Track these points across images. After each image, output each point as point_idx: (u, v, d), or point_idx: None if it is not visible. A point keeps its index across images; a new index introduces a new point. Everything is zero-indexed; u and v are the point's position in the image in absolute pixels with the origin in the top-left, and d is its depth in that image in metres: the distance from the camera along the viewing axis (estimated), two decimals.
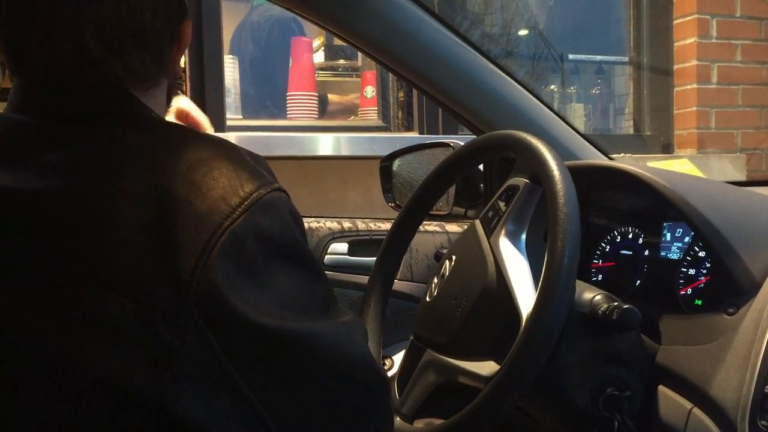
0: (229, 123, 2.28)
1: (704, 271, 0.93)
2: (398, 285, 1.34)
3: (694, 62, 2.93)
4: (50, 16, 0.67)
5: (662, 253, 1.00)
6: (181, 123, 0.94)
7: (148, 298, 0.57)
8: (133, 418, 0.58)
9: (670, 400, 0.85)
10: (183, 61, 2.18)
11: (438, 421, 0.85)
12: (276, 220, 0.63)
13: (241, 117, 2.51)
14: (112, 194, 0.60)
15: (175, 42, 0.74)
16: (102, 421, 0.58)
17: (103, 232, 0.59)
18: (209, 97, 2.15)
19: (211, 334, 0.58)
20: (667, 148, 3.06)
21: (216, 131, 2.15)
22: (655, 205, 1.01)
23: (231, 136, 2.13)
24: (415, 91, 2.49)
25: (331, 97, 2.85)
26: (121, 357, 0.58)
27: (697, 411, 0.81)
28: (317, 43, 2.97)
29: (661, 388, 0.86)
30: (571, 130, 1.25)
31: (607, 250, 1.10)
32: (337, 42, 2.81)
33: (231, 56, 2.51)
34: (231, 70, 2.44)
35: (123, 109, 0.69)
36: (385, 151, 1.43)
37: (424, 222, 1.19)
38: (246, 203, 0.61)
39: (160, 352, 0.58)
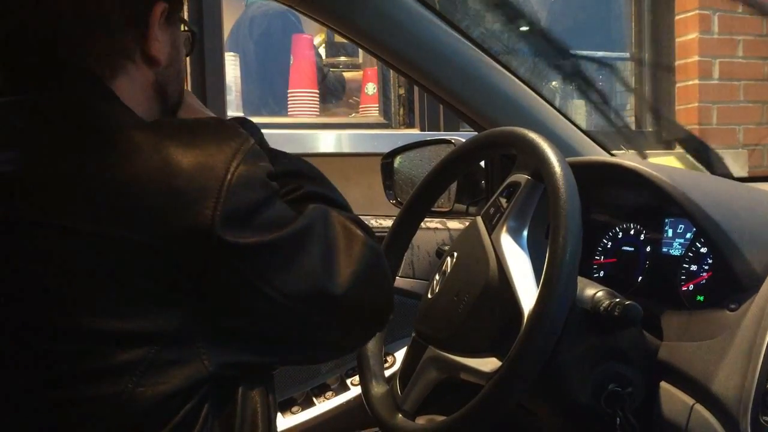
0: None
1: (706, 267, 0.93)
2: (400, 282, 1.34)
3: (696, 58, 2.93)
4: None
5: (664, 250, 1.00)
6: None
7: (170, 246, 0.62)
8: (160, 370, 0.62)
9: (672, 396, 0.85)
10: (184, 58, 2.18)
11: (440, 418, 0.85)
12: (264, 161, 0.71)
13: (243, 114, 2.51)
14: (107, 152, 0.63)
15: (139, 24, 0.73)
16: (125, 370, 0.61)
17: (105, 188, 0.62)
18: (210, 94, 2.15)
19: (239, 265, 0.65)
20: (668, 144, 3.06)
21: None
22: (657, 202, 1.01)
23: None
24: (416, 88, 2.49)
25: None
26: (145, 307, 0.62)
27: (699, 407, 0.81)
28: (318, 40, 2.97)
29: (663, 384, 0.86)
30: (573, 126, 1.25)
31: (608, 246, 1.10)
32: (338, 39, 2.81)
33: (232, 53, 2.50)
34: (232, 67, 2.44)
35: (81, 89, 0.70)
36: (386, 148, 1.43)
37: (426, 219, 1.19)
38: (241, 150, 0.67)
39: (189, 297, 0.63)
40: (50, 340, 0.61)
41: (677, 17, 3.00)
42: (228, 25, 2.65)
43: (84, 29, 0.70)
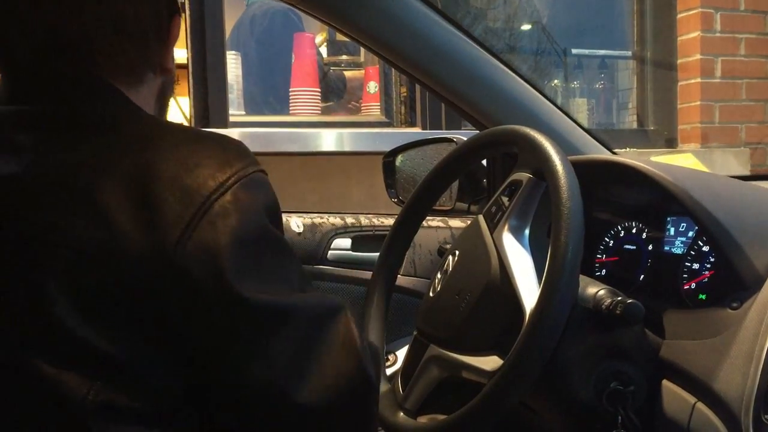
0: (232, 119, 2.28)
1: (708, 266, 0.93)
2: (401, 280, 1.34)
3: (698, 56, 2.92)
4: (31, 7, 0.68)
5: (666, 248, 1.00)
6: None
7: (129, 267, 0.59)
8: (115, 386, 0.60)
9: (673, 394, 0.84)
10: (185, 57, 2.19)
11: (442, 417, 0.85)
12: (260, 196, 0.66)
13: (244, 113, 2.51)
14: (96, 170, 0.62)
15: (164, 37, 0.75)
16: (81, 389, 0.59)
17: (84, 206, 0.61)
18: (212, 93, 2.15)
19: (194, 305, 0.60)
20: (670, 143, 3.05)
21: (219, 127, 2.17)
22: (659, 200, 1.01)
23: (234, 132, 2.13)
24: (418, 86, 2.49)
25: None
26: (106, 325, 0.60)
27: (701, 405, 0.81)
28: (320, 38, 2.97)
29: (665, 383, 0.86)
30: (575, 124, 1.25)
31: (610, 244, 1.10)
32: (340, 37, 2.81)
33: (234, 52, 2.50)
34: (234, 66, 2.44)
35: (104, 100, 0.70)
36: (388, 147, 1.43)
37: (427, 217, 1.19)
38: (233, 178, 0.63)
39: (146, 321, 0.60)
40: (10, 348, 0.60)
41: (679, 15, 2.99)
42: (229, 23, 2.66)
43: (121, 41, 0.71)
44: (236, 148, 0.68)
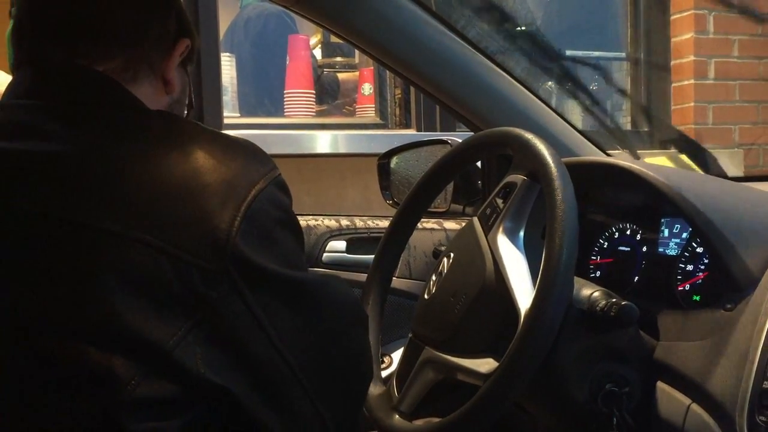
0: (226, 121, 2.28)
1: (702, 267, 0.93)
2: (396, 282, 1.34)
3: (692, 58, 2.93)
4: (58, 9, 0.74)
5: (660, 249, 1.00)
6: None
7: (185, 254, 0.63)
8: (160, 373, 0.62)
9: (668, 395, 0.85)
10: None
11: (437, 419, 0.85)
12: (287, 197, 0.73)
13: (239, 115, 2.50)
14: (139, 159, 0.65)
15: (168, 50, 0.79)
16: (127, 375, 0.60)
17: (132, 193, 0.64)
18: (206, 95, 2.15)
19: (246, 288, 0.65)
20: (664, 144, 3.06)
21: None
22: (653, 201, 1.01)
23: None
24: (412, 88, 2.49)
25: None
26: (154, 310, 0.61)
27: (695, 407, 0.81)
28: (314, 40, 2.97)
29: (660, 384, 0.86)
30: (569, 126, 1.25)
31: (605, 246, 1.10)
32: (334, 39, 2.81)
33: (228, 54, 2.50)
34: (228, 68, 2.44)
35: (124, 98, 0.74)
36: (382, 149, 1.43)
37: (422, 219, 1.19)
38: (266, 177, 0.70)
39: (196, 306, 0.63)
40: (59, 336, 0.61)
41: (672, 17, 3.00)
42: (223, 26, 2.65)
43: (133, 33, 0.76)
44: (262, 151, 0.74)
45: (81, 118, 0.69)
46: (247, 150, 0.72)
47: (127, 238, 0.62)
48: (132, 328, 0.61)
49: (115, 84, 0.73)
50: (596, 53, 3.25)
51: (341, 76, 2.85)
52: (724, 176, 1.11)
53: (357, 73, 2.78)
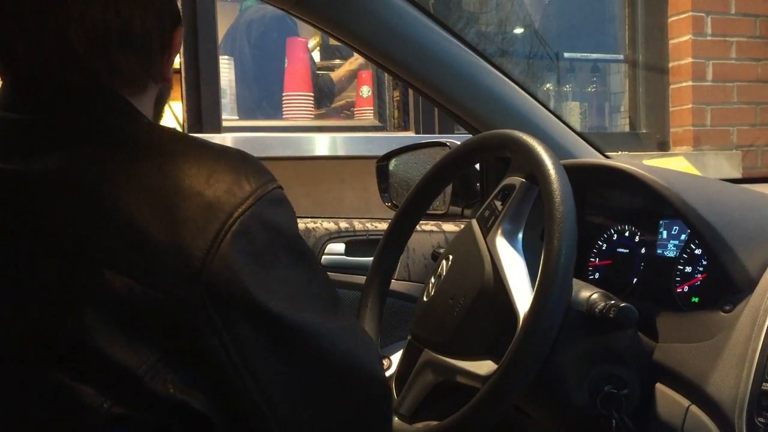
0: (225, 124, 2.28)
1: (701, 269, 0.93)
2: (396, 285, 1.34)
3: (690, 60, 2.94)
4: (37, 18, 0.67)
5: (659, 251, 1.00)
6: None
7: (157, 281, 0.59)
8: (131, 398, 0.59)
9: (667, 397, 0.85)
10: (178, 62, 2.18)
11: (437, 421, 0.85)
12: (282, 213, 0.66)
13: (237, 118, 2.50)
14: (118, 180, 0.62)
15: (166, 48, 0.75)
16: (97, 400, 0.58)
17: (109, 216, 0.60)
18: (205, 98, 2.15)
19: (220, 320, 0.59)
20: (663, 146, 3.07)
21: (212, 132, 2.16)
22: (652, 203, 1.01)
23: (227, 137, 2.13)
24: (411, 91, 2.49)
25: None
26: (126, 337, 0.58)
27: (694, 408, 0.81)
28: (313, 42, 2.97)
29: (659, 386, 0.86)
30: (567, 128, 1.25)
31: (604, 248, 1.10)
32: (333, 42, 2.81)
33: (227, 57, 2.50)
34: (227, 70, 2.44)
35: (114, 110, 0.70)
36: (381, 151, 1.43)
37: (421, 221, 1.19)
38: (254, 195, 0.63)
39: (168, 335, 0.59)
40: (31, 359, 0.59)
41: (670, 19, 3.01)
42: (222, 28, 2.66)
43: (126, 52, 0.70)
44: (255, 164, 0.67)
45: (63, 133, 0.66)
46: (236, 166, 0.65)
47: (100, 262, 0.59)
48: (103, 354, 0.58)
49: (109, 95, 0.69)
50: (594, 55, 3.25)
51: (333, 74, 2.84)
52: (723, 178, 1.11)
53: (350, 68, 2.77)
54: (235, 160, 0.66)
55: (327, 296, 0.68)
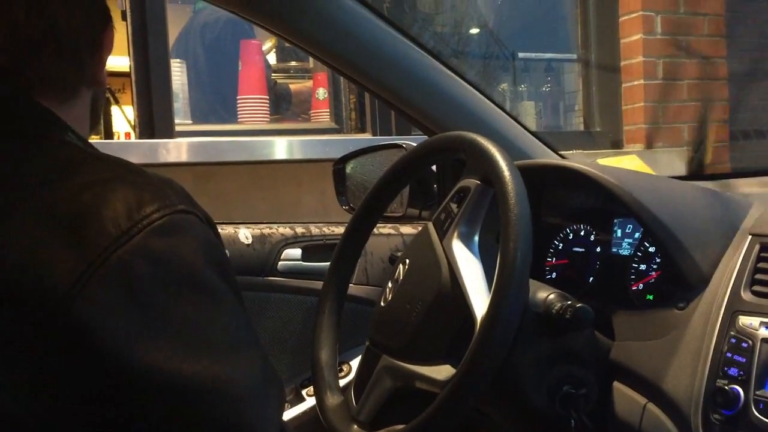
0: (178, 128, 2.24)
1: (654, 267, 0.94)
2: (354, 289, 1.32)
3: (641, 59, 2.99)
4: None
5: (614, 250, 1.01)
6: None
7: (25, 308, 0.54)
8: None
9: (624, 396, 0.85)
10: (128, 65, 2.14)
11: (397, 427, 0.84)
12: (176, 243, 0.58)
13: (191, 122, 2.46)
14: (8, 197, 0.58)
15: (96, 49, 0.72)
16: None
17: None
18: (156, 102, 2.10)
19: (76, 370, 0.54)
20: (616, 144, 3.11)
21: (164, 137, 2.12)
22: (605, 202, 1.02)
23: (181, 142, 2.09)
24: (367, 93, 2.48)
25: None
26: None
27: (651, 406, 0.82)
28: (269, 45, 2.94)
29: (616, 385, 0.86)
30: (522, 129, 1.25)
31: (560, 247, 1.11)
32: (289, 44, 2.78)
33: (179, 60, 2.46)
34: (179, 74, 2.39)
35: (27, 125, 0.65)
36: (338, 154, 1.42)
37: (379, 225, 1.18)
38: (139, 225, 0.56)
39: (37, 366, 0.54)
40: None
41: (621, 19, 3.06)
42: (175, 31, 2.61)
43: (53, 55, 0.66)
44: (154, 188, 0.60)
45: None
46: (130, 192, 0.58)
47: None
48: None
49: (18, 104, 0.65)
50: (548, 55, 3.29)
51: (293, 86, 2.82)
52: (673, 175, 1.12)
53: (310, 83, 2.76)
54: (134, 185, 0.59)
55: (229, 338, 0.59)
